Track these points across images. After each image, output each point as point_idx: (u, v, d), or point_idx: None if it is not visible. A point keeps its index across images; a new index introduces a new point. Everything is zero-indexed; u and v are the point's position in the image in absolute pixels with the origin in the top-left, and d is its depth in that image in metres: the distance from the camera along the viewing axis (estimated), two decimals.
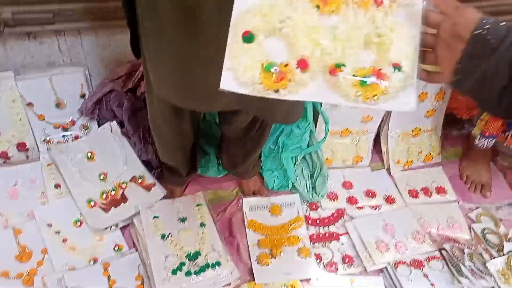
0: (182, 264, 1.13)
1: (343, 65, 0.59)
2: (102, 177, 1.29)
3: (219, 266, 1.14)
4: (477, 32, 0.52)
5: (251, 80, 0.58)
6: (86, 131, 1.38)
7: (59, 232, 1.19)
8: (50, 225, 1.20)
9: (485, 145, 1.40)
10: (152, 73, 0.89)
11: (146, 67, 0.91)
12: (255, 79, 0.58)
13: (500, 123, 1.34)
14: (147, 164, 1.33)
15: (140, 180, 1.29)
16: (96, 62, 1.35)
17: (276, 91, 0.59)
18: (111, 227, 1.21)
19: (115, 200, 1.25)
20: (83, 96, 1.35)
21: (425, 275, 1.22)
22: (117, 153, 1.33)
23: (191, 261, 1.13)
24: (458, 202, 1.48)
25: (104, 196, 1.25)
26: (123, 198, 1.26)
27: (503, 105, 0.55)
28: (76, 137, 1.36)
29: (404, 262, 1.23)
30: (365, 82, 0.58)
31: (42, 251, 1.15)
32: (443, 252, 1.27)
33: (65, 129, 1.36)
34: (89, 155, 1.31)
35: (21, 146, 1.31)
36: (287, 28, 0.60)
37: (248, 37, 0.59)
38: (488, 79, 0.54)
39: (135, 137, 1.32)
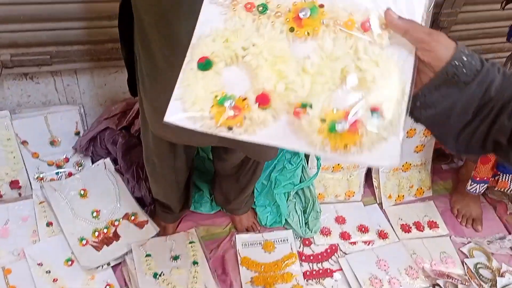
0: None
1: (310, 105, 0.51)
2: (94, 214, 1.28)
3: None
4: (453, 63, 0.48)
5: (201, 114, 0.51)
6: (79, 168, 1.38)
7: (49, 272, 1.17)
8: (40, 264, 1.18)
9: (477, 191, 1.40)
10: (148, 111, 0.91)
11: (142, 105, 0.93)
12: (205, 113, 0.51)
13: (490, 167, 1.34)
14: (140, 201, 1.33)
15: (133, 217, 1.29)
16: (91, 101, 1.38)
17: (230, 128, 0.51)
18: (102, 266, 1.20)
19: (107, 238, 1.24)
20: (77, 133, 1.37)
21: None
22: (110, 190, 1.33)
23: None
24: (450, 237, 1.49)
25: (96, 234, 1.24)
26: (116, 236, 1.25)
27: (460, 141, 0.52)
28: (70, 174, 1.37)
29: None
30: (334, 129, 0.49)
31: None
32: (437, 287, 1.27)
33: (58, 166, 1.36)
34: (82, 192, 1.31)
35: (14, 184, 1.31)
36: (250, 56, 0.53)
37: (204, 64, 0.53)
38: (454, 114, 0.50)
39: (128, 174, 1.33)
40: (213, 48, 0.54)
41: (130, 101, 1.36)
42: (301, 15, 0.53)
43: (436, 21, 1.60)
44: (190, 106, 0.52)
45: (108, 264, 1.21)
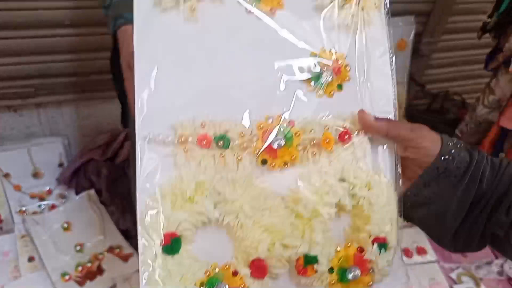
0: None
1: (315, 260, 0.44)
2: (78, 248, 1.26)
3: None
4: (442, 157, 0.44)
5: None
6: (63, 200, 1.36)
7: None
8: None
9: None
10: None
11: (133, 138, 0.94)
12: None
13: None
14: (125, 233, 1.31)
15: (117, 250, 1.27)
16: (75, 132, 1.37)
17: None
18: None
19: (91, 273, 1.22)
20: (61, 165, 1.35)
21: None
22: (95, 222, 1.31)
23: None
24: (439, 262, 1.49)
25: (80, 268, 1.22)
26: (99, 270, 1.23)
27: (457, 239, 0.47)
28: (53, 207, 1.34)
29: None
30: (345, 277, 0.45)
31: None
32: None
33: (41, 198, 1.34)
34: (65, 225, 1.28)
35: None
36: (227, 215, 0.43)
37: (171, 247, 0.42)
38: (449, 212, 0.45)
39: (113, 206, 1.32)
40: (175, 218, 0.42)
41: (115, 132, 1.35)
42: (274, 146, 0.45)
43: (416, 50, 1.64)
44: None
45: None
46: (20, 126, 1.29)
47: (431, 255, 1.49)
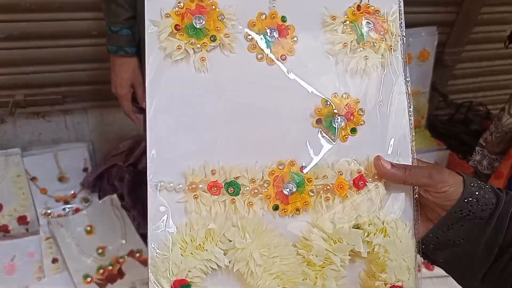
0: None
1: None
2: (100, 251, 1.29)
3: None
4: (466, 200, 0.43)
5: None
6: (86, 204, 1.40)
7: None
8: None
9: None
10: None
11: None
12: None
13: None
14: (145, 238, 1.33)
15: (138, 255, 1.29)
16: (100, 138, 1.41)
17: None
18: None
19: (112, 276, 1.24)
20: (85, 170, 1.39)
21: None
22: (116, 226, 1.34)
23: None
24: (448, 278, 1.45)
25: (101, 271, 1.25)
26: (120, 274, 1.25)
27: (487, 283, 0.45)
28: (77, 210, 1.38)
29: None
30: None
31: None
32: None
33: (66, 202, 1.38)
34: (88, 228, 1.32)
35: (22, 220, 1.33)
36: (237, 263, 0.43)
37: None
38: (478, 253, 0.43)
39: (134, 211, 1.34)
40: (185, 265, 0.42)
41: (138, 139, 1.38)
42: (285, 192, 0.45)
43: (440, 60, 1.62)
44: None
45: None
46: (47, 132, 1.33)
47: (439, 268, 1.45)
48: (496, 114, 1.51)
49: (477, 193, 0.43)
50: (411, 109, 0.49)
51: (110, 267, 1.25)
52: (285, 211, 0.45)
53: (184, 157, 0.44)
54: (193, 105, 0.45)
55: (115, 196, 1.38)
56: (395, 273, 0.45)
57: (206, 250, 0.43)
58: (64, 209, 1.38)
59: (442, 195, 0.44)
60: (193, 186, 0.43)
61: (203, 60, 0.45)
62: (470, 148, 1.53)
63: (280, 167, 0.45)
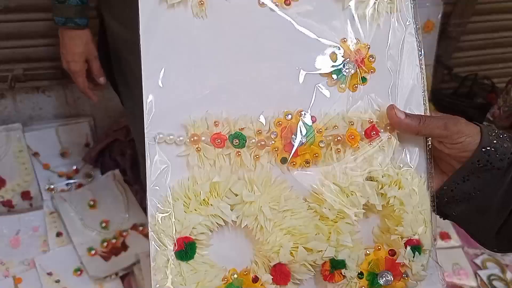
0: None
1: (343, 264, 0.41)
2: (103, 225, 1.30)
3: None
4: (483, 150, 0.41)
5: None
6: (89, 179, 1.40)
7: (59, 281, 1.19)
8: (50, 274, 1.20)
9: None
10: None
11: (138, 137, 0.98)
12: None
13: None
14: None
15: (141, 228, 1.30)
16: (101, 113, 1.41)
17: None
18: (111, 276, 1.21)
19: (116, 248, 1.26)
20: (87, 145, 1.39)
21: None
22: (119, 201, 1.35)
23: None
24: (463, 248, 1.46)
25: (105, 244, 1.26)
26: (124, 247, 1.26)
27: (501, 238, 0.43)
28: (80, 185, 1.39)
29: None
30: (377, 283, 0.42)
31: None
32: None
33: (69, 177, 1.39)
34: (91, 203, 1.33)
35: (26, 195, 1.34)
36: (245, 218, 0.41)
37: (185, 252, 0.40)
38: (493, 206, 0.42)
39: (137, 185, 1.35)
40: (189, 221, 0.40)
41: None
42: (295, 143, 0.42)
43: (444, 32, 1.59)
44: None
45: (117, 274, 1.22)
46: (48, 107, 1.33)
47: (455, 241, 1.46)
48: (503, 88, 1.49)
49: (495, 141, 0.41)
50: (422, 57, 0.46)
51: (113, 240, 1.27)
52: (294, 164, 0.42)
53: (184, 108, 0.42)
54: (191, 53, 0.43)
55: (117, 171, 1.39)
56: (411, 226, 0.43)
57: (211, 205, 0.40)
58: (67, 184, 1.39)
59: (458, 146, 0.42)
60: (195, 138, 0.41)
61: (201, 4, 0.42)
62: (474, 122, 1.51)
63: (287, 117, 0.43)
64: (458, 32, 1.64)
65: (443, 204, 0.45)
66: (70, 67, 0.89)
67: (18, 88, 1.23)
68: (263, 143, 0.42)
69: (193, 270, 0.40)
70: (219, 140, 0.41)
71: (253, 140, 0.42)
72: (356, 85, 0.45)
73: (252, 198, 0.41)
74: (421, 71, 0.46)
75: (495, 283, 1.32)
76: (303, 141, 0.42)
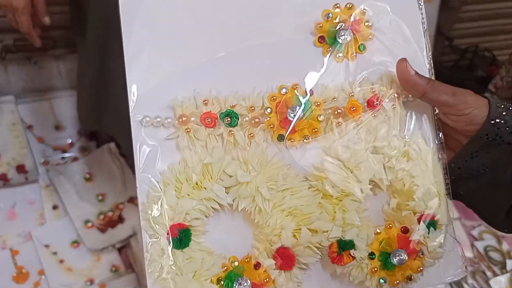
0: None
1: (351, 244, 0.39)
2: (100, 198, 1.30)
3: None
4: (492, 123, 0.39)
5: None
6: (85, 153, 1.39)
7: (56, 253, 1.19)
8: (47, 246, 1.20)
9: None
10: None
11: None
12: None
13: None
14: None
15: (137, 201, 1.29)
16: None
17: None
18: (108, 247, 1.21)
19: (112, 221, 1.26)
20: None
21: None
22: (115, 174, 1.34)
23: None
24: (460, 219, 1.46)
25: (102, 216, 1.26)
26: (120, 219, 1.26)
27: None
28: (75, 159, 1.38)
29: None
30: (390, 263, 0.39)
31: (39, 272, 1.16)
32: None
33: (64, 151, 1.37)
34: (87, 176, 1.32)
35: (21, 168, 1.33)
36: (242, 201, 0.38)
37: (179, 240, 0.38)
38: (504, 184, 0.40)
39: (132, 159, 1.34)
40: (182, 207, 0.37)
41: None
42: (291, 118, 0.39)
43: (445, 2, 1.56)
44: None
45: (114, 246, 1.22)
46: (40, 79, 1.30)
47: (452, 212, 1.46)
48: (506, 59, 1.46)
49: (504, 113, 0.39)
50: (424, 19, 0.43)
51: (110, 213, 1.26)
52: (292, 141, 0.40)
53: (171, 88, 0.40)
54: (174, 29, 0.40)
55: (112, 144, 1.37)
56: (424, 200, 0.40)
57: (205, 188, 0.38)
58: (62, 158, 1.38)
59: (464, 118, 0.40)
60: (184, 119, 0.39)
61: None
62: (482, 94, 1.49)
63: (282, 92, 0.40)
64: (459, 2, 1.60)
65: (449, 182, 0.42)
66: (13, 3, 0.78)
67: (9, 59, 1.21)
68: (257, 120, 0.39)
69: (189, 258, 0.38)
70: (209, 120, 0.39)
71: (246, 118, 0.40)
72: (354, 54, 0.42)
73: (248, 179, 0.38)
74: (424, 34, 0.43)
75: (491, 253, 1.33)
76: (300, 115, 0.39)
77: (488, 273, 1.23)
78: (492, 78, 1.49)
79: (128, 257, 1.23)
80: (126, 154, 1.35)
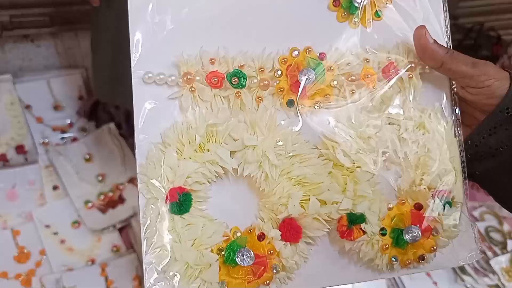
0: None
1: (362, 218, 0.36)
2: (100, 178, 1.29)
3: None
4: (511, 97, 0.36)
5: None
6: (84, 133, 1.38)
7: (57, 233, 1.19)
8: (48, 226, 1.20)
9: None
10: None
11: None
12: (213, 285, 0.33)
13: None
14: None
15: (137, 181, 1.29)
16: None
17: None
18: (109, 228, 1.21)
19: (113, 201, 1.25)
20: (81, 98, 1.36)
21: (428, 274, 1.20)
22: (115, 154, 1.33)
23: None
24: None
25: (102, 197, 1.25)
26: (121, 199, 1.26)
27: None
28: (75, 139, 1.36)
29: None
30: (403, 240, 0.37)
31: (40, 252, 1.15)
32: None
33: (63, 131, 1.36)
34: (87, 156, 1.31)
35: (20, 149, 1.31)
36: (247, 166, 0.36)
37: (179, 205, 0.35)
38: None
39: (132, 139, 1.32)
40: (183, 169, 0.35)
41: None
42: (303, 82, 0.37)
43: None
44: (181, 279, 0.33)
45: (114, 226, 1.22)
46: (38, 57, 1.28)
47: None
48: None
49: None
50: None
51: (110, 194, 1.26)
52: (302, 107, 0.38)
53: (176, 45, 0.38)
54: None
55: (112, 124, 1.36)
56: (440, 175, 0.38)
57: (208, 150, 0.36)
58: (62, 138, 1.36)
59: (484, 91, 0.38)
60: (189, 77, 0.37)
61: None
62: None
63: (293, 54, 0.38)
64: None
65: (467, 161, 0.41)
66: None
67: (6, 36, 1.18)
68: (266, 82, 0.38)
69: (189, 224, 0.36)
70: (215, 79, 0.37)
71: (255, 80, 0.38)
72: (370, 20, 0.40)
73: (254, 142, 0.36)
74: (443, 5, 0.41)
75: (492, 234, 1.33)
76: (312, 78, 0.37)
77: (489, 253, 1.23)
78: (497, 58, 1.46)
79: (129, 237, 1.23)
80: (126, 135, 1.33)
